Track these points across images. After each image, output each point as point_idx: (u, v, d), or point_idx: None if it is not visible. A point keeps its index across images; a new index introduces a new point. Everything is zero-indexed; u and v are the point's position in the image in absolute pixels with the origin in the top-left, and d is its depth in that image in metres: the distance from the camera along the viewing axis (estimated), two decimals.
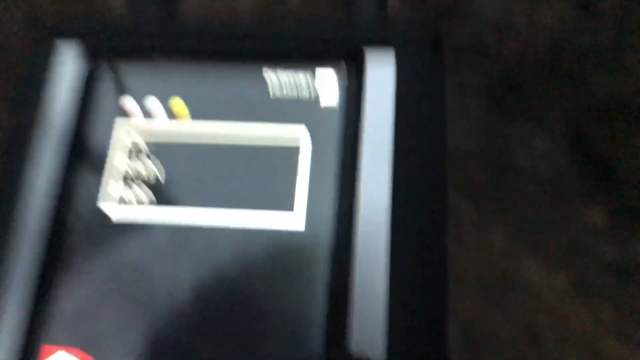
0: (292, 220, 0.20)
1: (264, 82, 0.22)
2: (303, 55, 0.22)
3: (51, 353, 0.23)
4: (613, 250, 0.94)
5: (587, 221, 0.96)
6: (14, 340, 0.22)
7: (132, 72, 0.22)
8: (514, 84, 1.14)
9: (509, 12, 1.18)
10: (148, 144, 0.21)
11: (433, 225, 0.21)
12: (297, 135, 0.21)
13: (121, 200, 0.21)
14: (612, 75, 1.09)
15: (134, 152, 0.21)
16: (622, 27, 1.11)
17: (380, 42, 0.23)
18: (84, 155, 0.21)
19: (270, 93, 0.22)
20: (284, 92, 0.22)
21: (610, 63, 1.09)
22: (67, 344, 0.22)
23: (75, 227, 0.21)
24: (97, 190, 0.21)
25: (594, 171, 1.01)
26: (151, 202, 0.21)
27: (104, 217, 0.22)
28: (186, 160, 0.20)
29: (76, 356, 0.22)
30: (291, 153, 0.22)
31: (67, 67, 0.23)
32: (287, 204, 0.21)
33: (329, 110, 0.23)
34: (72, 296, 0.21)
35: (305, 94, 0.22)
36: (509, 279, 0.93)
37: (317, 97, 0.22)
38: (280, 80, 0.22)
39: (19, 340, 0.22)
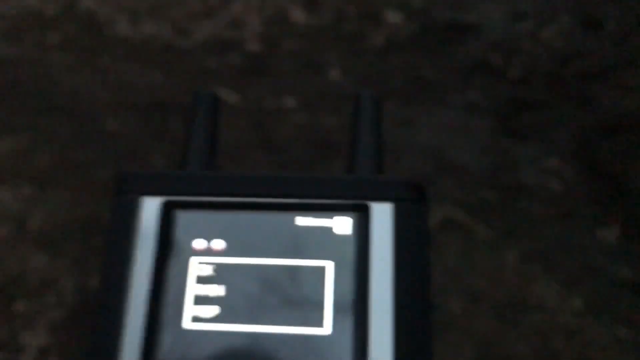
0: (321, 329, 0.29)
1: (293, 225, 0.31)
2: (323, 206, 0.31)
3: None
4: (626, 267, 0.94)
5: (599, 239, 0.96)
6: None
7: (201, 220, 0.32)
8: (522, 104, 1.14)
9: (514, 32, 1.19)
10: (214, 272, 0.31)
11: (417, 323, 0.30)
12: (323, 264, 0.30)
13: (197, 318, 0.30)
14: (619, 93, 1.10)
15: (205, 280, 0.30)
16: (627, 46, 1.12)
17: (379, 198, 0.31)
18: (166, 287, 0.30)
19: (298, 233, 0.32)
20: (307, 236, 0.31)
21: (616, 81, 1.10)
22: None
23: (163, 335, 0.29)
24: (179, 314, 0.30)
25: (604, 189, 1.01)
26: (217, 316, 0.30)
27: (187, 332, 0.30)
28: (242, 283, 0.30)
29: None
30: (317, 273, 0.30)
31: (149, 218, 0.31)
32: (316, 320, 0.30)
33: (343, 238, 0.31)
34: None
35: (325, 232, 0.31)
36: (524, 300, 0.93)
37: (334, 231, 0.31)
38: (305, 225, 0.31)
39: None
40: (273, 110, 1.11)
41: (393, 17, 1.17)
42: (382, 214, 0.30)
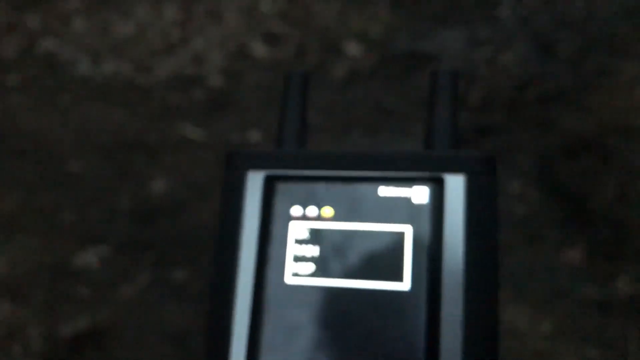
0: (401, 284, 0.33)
1: (376, 192, 0.36)
2: (403, 178, 0.36)
3: None
4: (593, 288, 0.95)
5: (565, 261, 0.97)
6: None
7: (298, 190, 0.37)
8: (483, 129, 1.16)
9: (473, 59, 1.21)
10: (309, 235, 0.36)
11: (486, 283, 0.34)
12: (402, 229, 0.35)
13: (296, 274, 0.35)
14: (577, 116, 1.12)
15: (302, 242, 0.35)
16: (582, 69, 1.15)
17: (453, 170, 0.35)
18: (271, 248, 0.35)
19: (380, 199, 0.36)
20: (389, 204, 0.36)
21: (575, 104, 1.13)
22: None
23: (269, 289, 0.35)
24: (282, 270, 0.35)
25: (568, 210, 1.03)
26: (313, 272, 0.35)
27: (288, 286, 0.35)
28: (333, 245, 0.35)
29: None
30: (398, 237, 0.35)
31: (254, 190, 0.37)
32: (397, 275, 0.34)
33: (420, 206, 0.35)
34: (277, 332, 0.34)
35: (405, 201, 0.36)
36: None
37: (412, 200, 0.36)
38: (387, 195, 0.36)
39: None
40: (238, 144, 1.11)
41: (353, 49, 1.18)
42: (455, 185, 0.34)
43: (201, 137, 1.11)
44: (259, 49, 1.20)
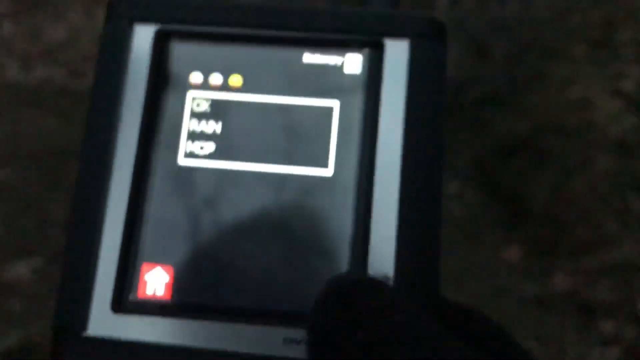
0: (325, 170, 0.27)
1: (300, 59, 0.29)
2: (334, 42, 0.29)
3: (150, 270, 0.27)
4: (531, 285, 0.97)
5: (503, 259, 0.99)
6: (116, 259, 0.27)
7: (199, 52, 0.29)
8: None
9: None
10: (210, 108, 0.29)
11: (429, 174, 0.27)
12: (329, 104, 0.28)
13: (191, 154, 0.28)
14: (512, 117, 1.15)
15: (201, 115, 0.28)
16: (516, 71, 1.17)
17: (395, 34, 0.28)
18: (160, 121, 0.28)
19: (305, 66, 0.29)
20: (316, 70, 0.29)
21: (510, 105, 1.15)
22: (163, 262, 0.27)
23: (156, 173, 0.28)
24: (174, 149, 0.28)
25: (505, 209, 1.05)
26: (213, 153, 0.28)
27: (181, 168, 0.28)
28: (239, 121, 0.28)
29: (169, 273, 0.27)
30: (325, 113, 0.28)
31: (142, 48, 0.29)
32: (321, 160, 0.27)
33: (352, 77, 0.28)
34: (162, 222, 0.27)
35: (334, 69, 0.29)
36: None
37: (343, 69, 0.29)
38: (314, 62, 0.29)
39: (122, 259, 0.27)
40: None
41: None
42: (397, 52, 0.28)
43: None
44: None
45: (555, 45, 1.16)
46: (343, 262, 0.27)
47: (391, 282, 0.26)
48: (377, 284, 0.23)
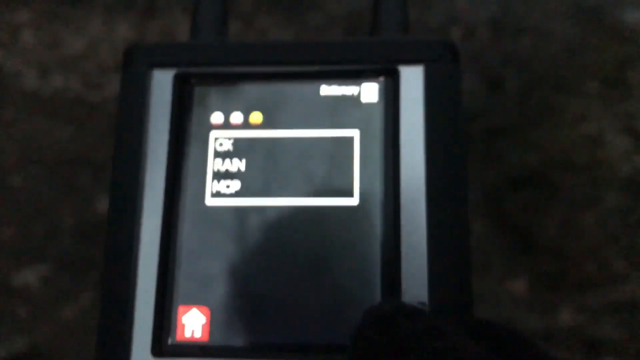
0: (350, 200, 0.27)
1: (318, 92, 0.29)
2: (349, 73, 0.29)
3: (186, 312, 0.27)
4: (536, 318, 0.97)
5: (509, 291, 0.99)
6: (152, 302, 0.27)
7: (218, 92, 0.29)
8: None
9: None
10: (233, 147, 0.29)
11: (453, 201, 0.28)
12: (350, 133, 0.28)
13: (218, 193, 0.28)
14: (522, 150, 1.15)
15: (225, 154, 0.29)
16: (528, 104, 1.18)
17: (409, 60, 0.28)
18: (185, 164, 0.28)
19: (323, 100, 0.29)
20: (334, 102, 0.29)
21: (520, 138, 1.16)
22: (199, 303, 0.27)
23: (186, 214, 0.28)
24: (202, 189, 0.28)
25: (512, 241, 1.05)
26: (239, 191, 0.28)
27: (209, 208, 0.28)
28: (262, 157, 0.28)
29: (205, 314, 0.27)
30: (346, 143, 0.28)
31: (163, 93, 0.29)
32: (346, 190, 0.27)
33: (370, 106, 0.29)
34: (195, 263, 0.27)
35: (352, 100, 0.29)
36: None
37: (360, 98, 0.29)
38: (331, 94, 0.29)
39: (158, 302, 0.27)
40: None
41: None
42: (412, 78, 0.28)
43: None
44: None
45: (568, 81, 1.17)
46: (376, 290, 0.27)
47: (427, 308, 0.26)
48: (416, 310, 0.23)
